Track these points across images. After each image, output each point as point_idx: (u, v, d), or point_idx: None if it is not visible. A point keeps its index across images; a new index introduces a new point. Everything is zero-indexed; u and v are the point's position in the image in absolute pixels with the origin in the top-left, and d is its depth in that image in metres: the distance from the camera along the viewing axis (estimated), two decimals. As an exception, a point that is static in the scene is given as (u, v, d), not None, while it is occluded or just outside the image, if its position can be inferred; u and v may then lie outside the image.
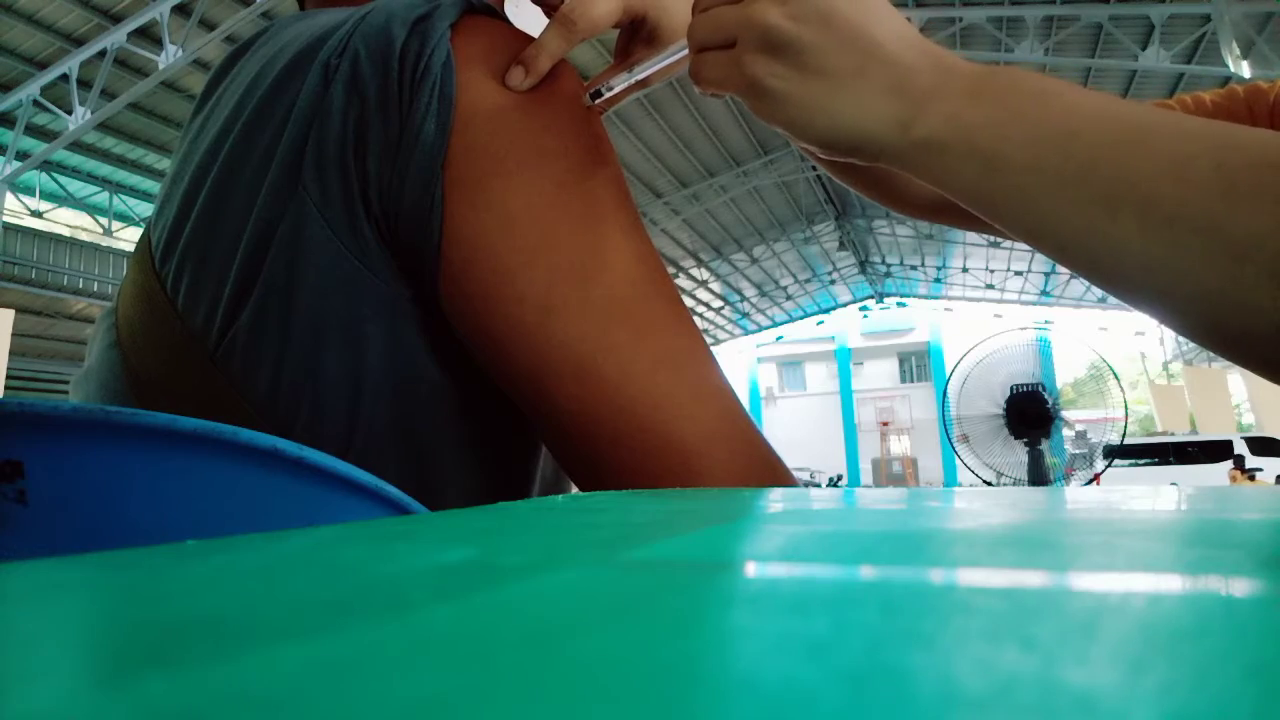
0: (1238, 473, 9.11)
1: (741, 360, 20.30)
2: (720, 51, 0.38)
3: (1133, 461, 10.91)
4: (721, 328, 17.89)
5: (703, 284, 14.87)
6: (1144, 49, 6.60)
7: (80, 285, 8.85)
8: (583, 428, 0.36)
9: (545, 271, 0.36)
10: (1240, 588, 0.11)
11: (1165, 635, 0.08)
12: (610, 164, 0.41)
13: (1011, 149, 0.31)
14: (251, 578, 0.12)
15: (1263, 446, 10.22)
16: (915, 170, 0.35)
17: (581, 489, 0.39)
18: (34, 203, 9.10)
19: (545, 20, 0.50)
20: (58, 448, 0.27)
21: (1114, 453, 5.04)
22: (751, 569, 0.13)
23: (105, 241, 9.31)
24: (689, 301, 14.67)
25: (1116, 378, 4.73)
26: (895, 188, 0.60)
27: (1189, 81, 7.44)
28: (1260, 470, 9.28)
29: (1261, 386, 11.75)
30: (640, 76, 0.43)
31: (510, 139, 0.38)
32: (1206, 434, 11.49)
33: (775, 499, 0.26)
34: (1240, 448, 10.41)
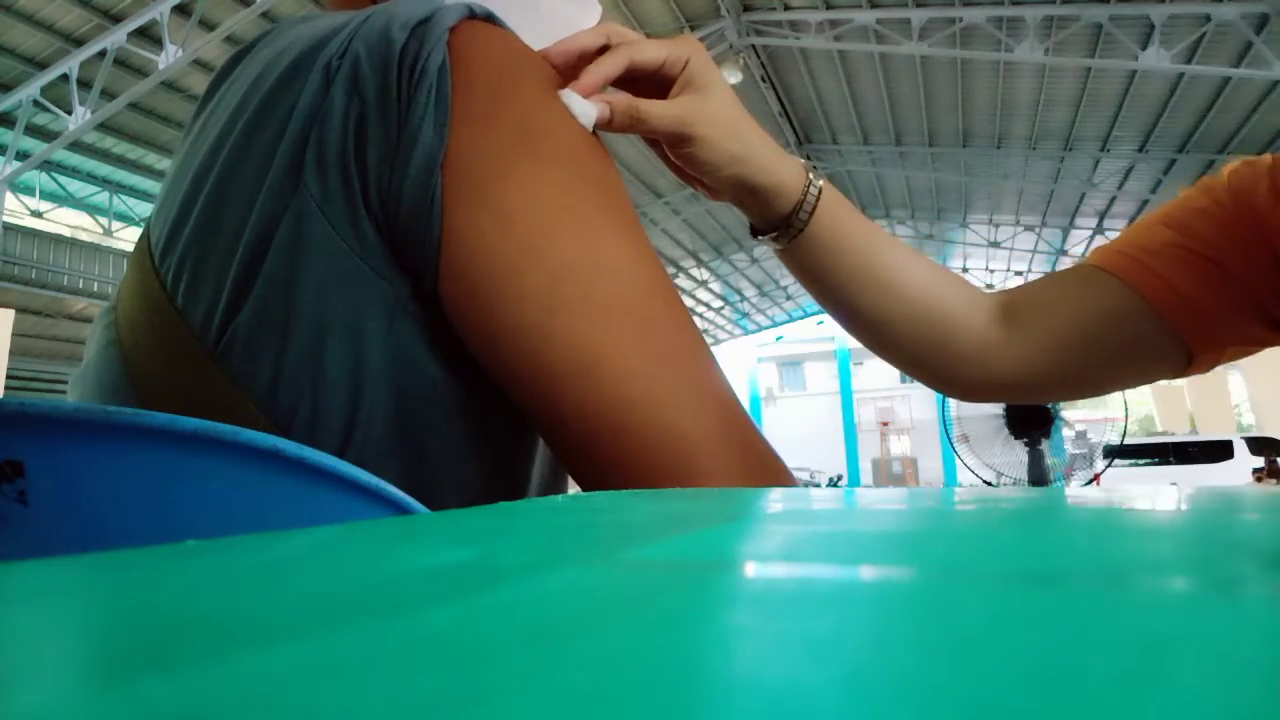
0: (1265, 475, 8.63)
1: (741, 360, 20.29)
2: None
3: (1132, 461, 10.91)
4: (721, 328, 17.89)
5: (703, 284, 14.87)
6: (1144, 49, 6.60)
7: (80, 285, 8.85)
8: (584, 426, 0.36)
9: (547, 270, 0.36)
10: (1254, 592, 0.11)
11: (1163, 633, 0.08)
12: (608, 167, 0.41)
13: None
14: (251, 578, 0.12)
15: (1262, 446, 10.22)
16: None
17: (582, 487, 0.39)
18: (34, 203, 9.10)
19: (544, 27, 0.51)
20: (58, 448, 0.27)
21: (1114, 453, 5.04)
22: (752, 569, 0.13)
23: (105, 241, 9.30)
24: (689, 301, 14.66)
25: (1116, 378, 4.72)
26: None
27: (1189, 81, 7.44)
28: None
29: (1261, 386, 11.74)
30: None
31: (508, 141, 0.38)
32: (1206, 434, 11.49)
33: (775, 499, 0.26)
34: (1240, 448, 10.38)
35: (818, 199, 0.54)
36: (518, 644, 0.08)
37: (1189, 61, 6.69)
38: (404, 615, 0.09)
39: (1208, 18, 6.30)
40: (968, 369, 0.59)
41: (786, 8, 7.59)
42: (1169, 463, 10.85)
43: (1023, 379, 0.58)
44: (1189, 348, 0.56)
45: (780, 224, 0.55)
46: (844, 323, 0.60)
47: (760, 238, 0.58)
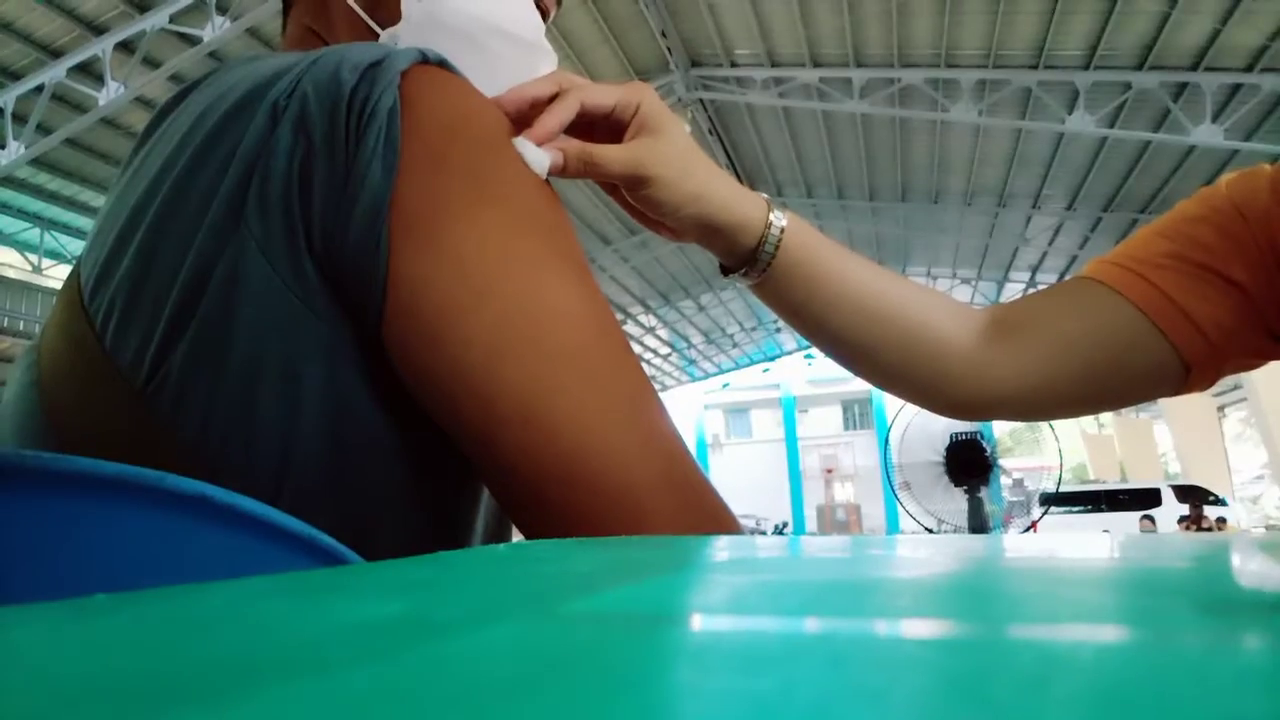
0: (1194, 525, 8.45)
1: (688, 407, 20.35)
2: None
3: (1067, 509, 11.17)
4: (669, 374, 17.96)
5: (650, 331, 14.95)
6: (1070, 113, 6.93)
7: (5, 324, 8.51)
8: (528, 473, 0.35)
9: (493, 315, 0.36)
10: (1195, 639, 0.11)
11: (1112, 684, 0.08)
12: (557, 211, 0.41)
13: None
14: (161, 635, 0.11)
15: (1188, 495, 10.55)
16: None
17: (526, 535, 0.38)
18: (-41, 238, 8.78)
19: (497, 73, 0.51)
20: (-36, 494, 0.26)
21: (1050, 500, 5.16)
22: (696, 621, 0.13)
23: (34, 279, 9.00)
24: (637, 348, 14.73)
25: (1051, 426, 4.85)
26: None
27: (1112, 144, 7.82)
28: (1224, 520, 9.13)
29: (1184, 436, 12.14)
30: None
31: (458, 184, 0.38)
32: (1136, 481, 11.84)
33: (720, 547, 0.25)
34: (1168, 496, 10.70)
35: (782, 232, 0.54)
36: (448, 705, 0.08)
37: (1112, 125, 7.05)
38: (325, 676, 0.09)
39: (1129, 85, 6.66)
40: (960, 387, 0.57)
41: (733, 64, 7.80)
42: (1101, 510, 11.14)
43: (1018, 395, 0.57)
44: (1186, 360, 0.54)
45: (747, 260, 0.55)
46: (829, 352, 0.59)
47: (730, 276, 0.57)
